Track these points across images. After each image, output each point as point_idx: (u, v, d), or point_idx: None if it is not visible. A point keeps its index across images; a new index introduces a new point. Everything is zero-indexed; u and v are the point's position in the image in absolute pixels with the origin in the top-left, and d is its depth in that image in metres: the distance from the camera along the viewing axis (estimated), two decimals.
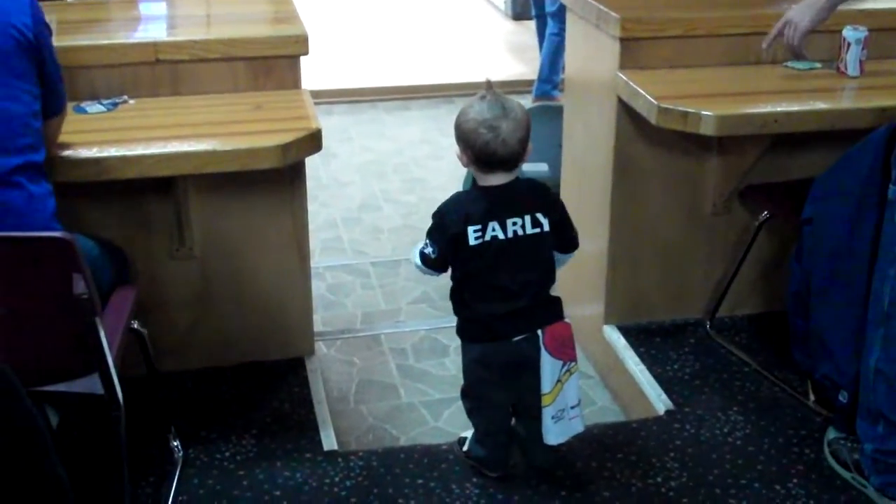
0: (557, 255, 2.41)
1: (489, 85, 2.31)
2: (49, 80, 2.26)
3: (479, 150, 2.25)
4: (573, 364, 2.38)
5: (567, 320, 2.38)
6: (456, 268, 2.37)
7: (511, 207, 2.31)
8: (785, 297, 2.81)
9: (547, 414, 2.36)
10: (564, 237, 2.41)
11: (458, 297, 2.40)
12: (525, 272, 2.33)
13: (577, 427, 2.44)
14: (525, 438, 2.51)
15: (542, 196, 2.37)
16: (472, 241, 2.28)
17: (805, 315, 2.68)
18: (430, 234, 2.35)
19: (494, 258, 2.30)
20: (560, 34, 5.53)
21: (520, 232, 2.30)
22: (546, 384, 2.34)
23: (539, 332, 2.32)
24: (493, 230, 2.28)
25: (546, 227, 2.33)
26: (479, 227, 2.28)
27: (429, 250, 2.34)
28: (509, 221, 2.29)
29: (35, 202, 2.14)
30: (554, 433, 2.39)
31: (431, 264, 2.36)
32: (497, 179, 2.30)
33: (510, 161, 2.27)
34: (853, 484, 2.49)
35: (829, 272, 2.59)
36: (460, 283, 2.39)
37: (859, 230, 2.47)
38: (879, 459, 2.40)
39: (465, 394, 2.50)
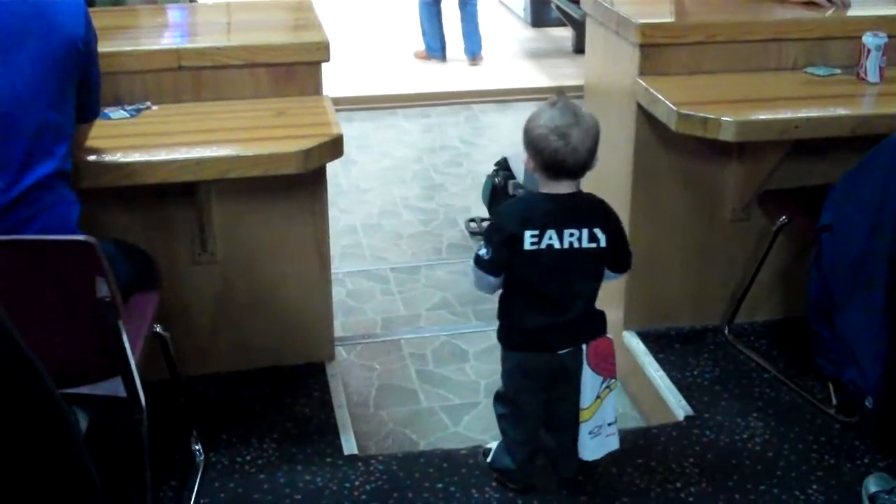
0: (608, 273, 2.36)
1: (560, 92, 2.26)
2: (91, 88, 2.28)
3: (547, 157, 2.20)
4: (613, 381, 2.36)
5: (609, 336, 2.35)
6: (508, 273, 2.31)
7: (571, 218, 2.26)
8: (804, 303, 2.81)
9: (584, 429, 2.34)
10: (619, 255, 2.35)
11: (507, 304, 2.37)
12: (575, 285, 2.29)
13: (613, 444, 2.42)
14: (555, 450, 2.49)
15: (602, 211, 2.32)
16: (527, 245, 2.24)
17: (826, 321, 2.66)
18: (487, 235, 2.31)
19: (547, 267, 2.26)
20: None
21: (576, 244, 2.26)
22: (586, 399, 2.32)
23: (584, 346, 2.30)
24: (550, 238, 2.24)
25: (603, 243, 2.28)
26: (536, 231, 2.24)
27: (483, 251, 2.29)
28: (566, 232, 2.25)
29: (67, 207, 2.17)
30: (590, 449, 2.38)
31: (484, 266, 2.29)
32: (562, 188, 2.26)
33: (578, 170, 2.23)
34: None
35: (850, 279, 2.57)
36: (510, 289, 2.34)
37: (879, 235, 2.46)
38: None
39: (501, 398, 2.46)
